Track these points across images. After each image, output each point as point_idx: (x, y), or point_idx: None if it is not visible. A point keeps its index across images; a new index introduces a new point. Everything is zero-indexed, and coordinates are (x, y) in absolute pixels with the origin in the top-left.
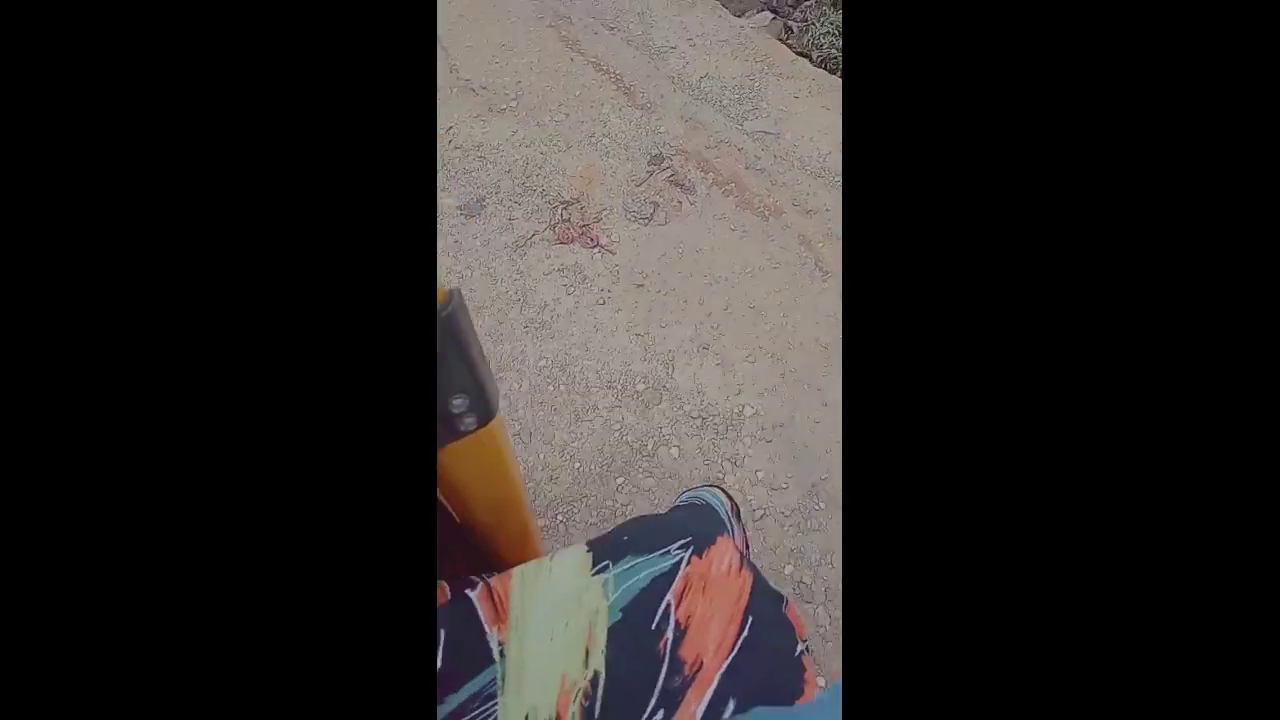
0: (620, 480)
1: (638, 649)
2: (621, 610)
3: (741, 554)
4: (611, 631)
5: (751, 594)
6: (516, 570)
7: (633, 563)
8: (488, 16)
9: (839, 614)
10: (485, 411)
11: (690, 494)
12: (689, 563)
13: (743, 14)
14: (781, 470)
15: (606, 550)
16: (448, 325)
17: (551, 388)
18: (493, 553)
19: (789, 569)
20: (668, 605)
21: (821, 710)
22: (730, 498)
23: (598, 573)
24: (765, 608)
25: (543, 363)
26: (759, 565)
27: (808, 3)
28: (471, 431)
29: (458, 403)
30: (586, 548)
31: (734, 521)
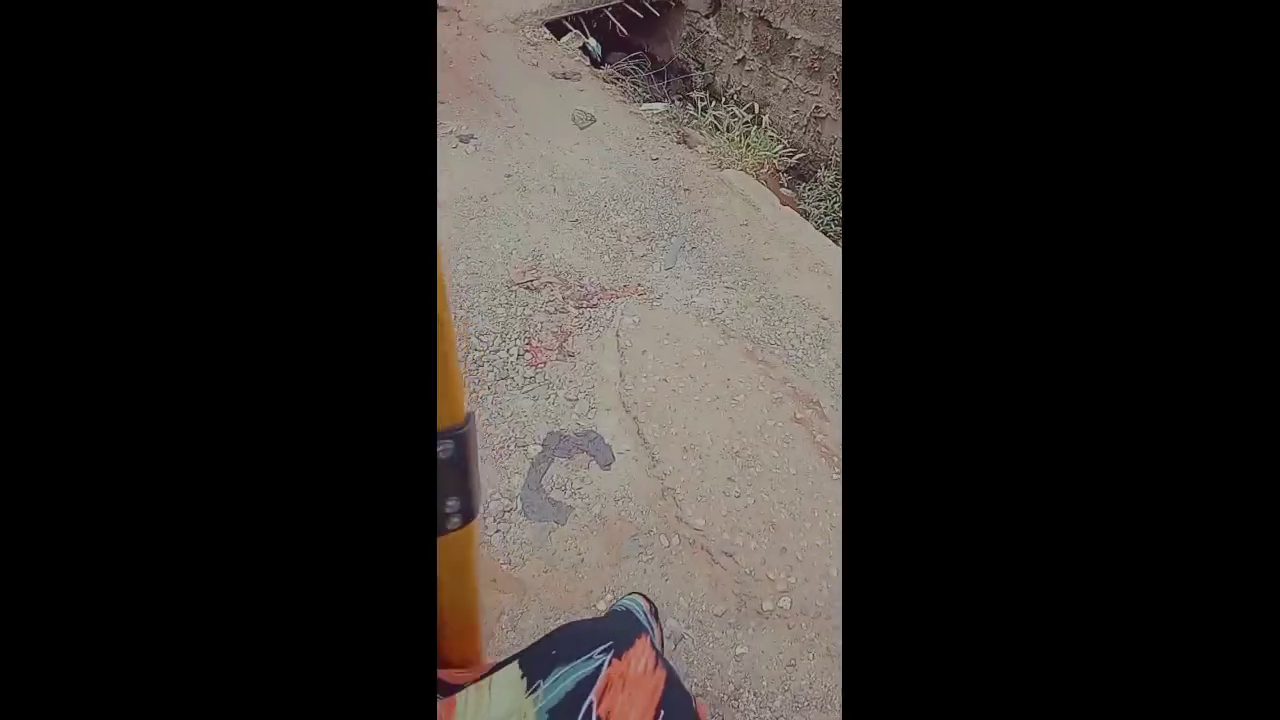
0: None
1: None
2: (549, 713)
3: (657, 653)
4: None
5: (665, 690)
6: (460, 696)
7: (560, 672)
8: None
9: None
10: (469, 513)
11: (615, 603)
12: (610, 664)
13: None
14: None
15: (537, 665)
16: (464, 441)
17: None
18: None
19: None
20: (590, 704)
21: None
22: (648, 599)
23: (531, 693)
24: (677, 701)
25: None
26: (673, 665)
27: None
28: (455, 530)
29: (451, 504)
30: (519, 667)
31: (652, 621)
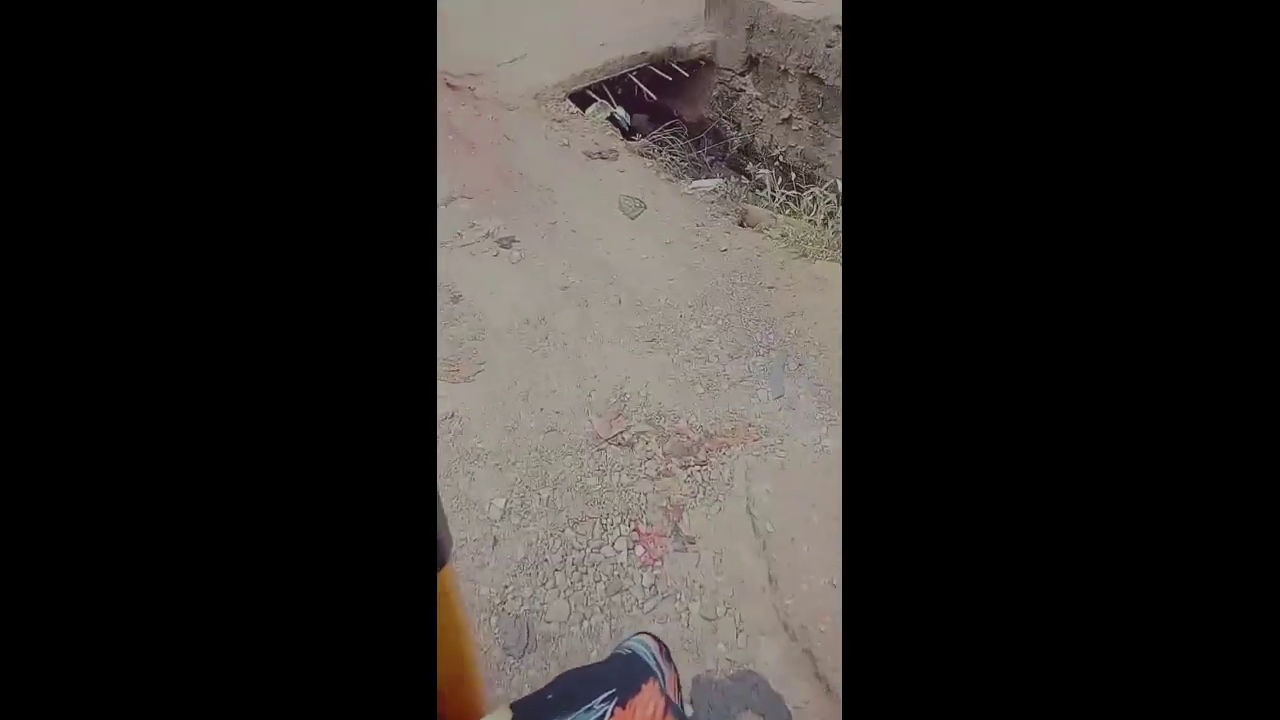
0: None
1: None
2: None
3: (668, 699)
4: None
5: None
6: None
7: None
8: None
9: None
10: (440, 557)
11: (620, 645)
12: (612, 714)
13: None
14: None
15: (531, 714)
16: None
17: None
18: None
19: None
20: None
21: None
22: (658, 640)
23: None
24: None
25: None
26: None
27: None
28: None
29: None
30: (511, 713)
31: (662, 663)
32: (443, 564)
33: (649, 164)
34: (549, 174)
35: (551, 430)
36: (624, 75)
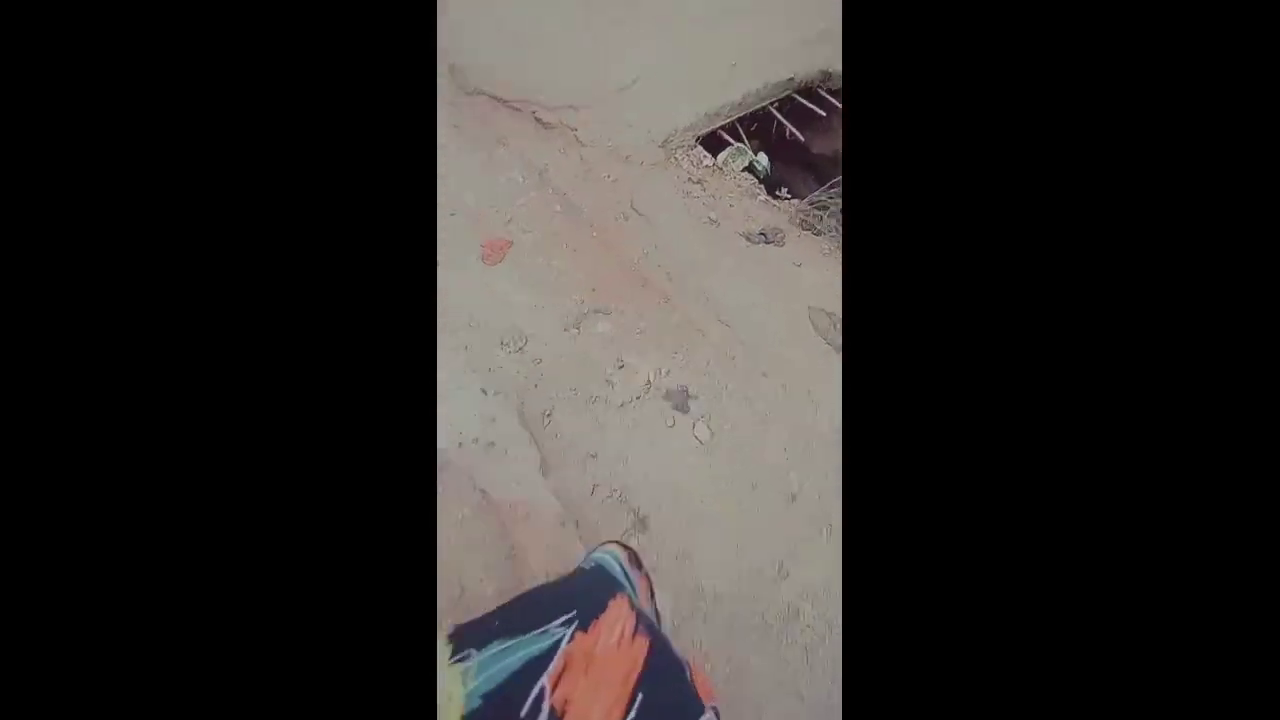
0: None
1: None
2: (482, 697)
3: (638, 614)
4: None
5: (645, 666)
6: None
7: (501, 646)
8: None
9: None
10: None
11: (585, 558)
12: (571, 639)
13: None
14: None
15: (472, 637)
16: None
17: None
18: None
19: None
20: (541, 690)
21: None
22: (627, 547)
23: (457, 660)
24: (663, 674)
25: None
26: (661, 622)
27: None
28: None
29: None
30: (449, 635)
31: (632, 573)
32: None
33: (825, 248)
34: (704, 271)
35: None
36: (764, 108)
